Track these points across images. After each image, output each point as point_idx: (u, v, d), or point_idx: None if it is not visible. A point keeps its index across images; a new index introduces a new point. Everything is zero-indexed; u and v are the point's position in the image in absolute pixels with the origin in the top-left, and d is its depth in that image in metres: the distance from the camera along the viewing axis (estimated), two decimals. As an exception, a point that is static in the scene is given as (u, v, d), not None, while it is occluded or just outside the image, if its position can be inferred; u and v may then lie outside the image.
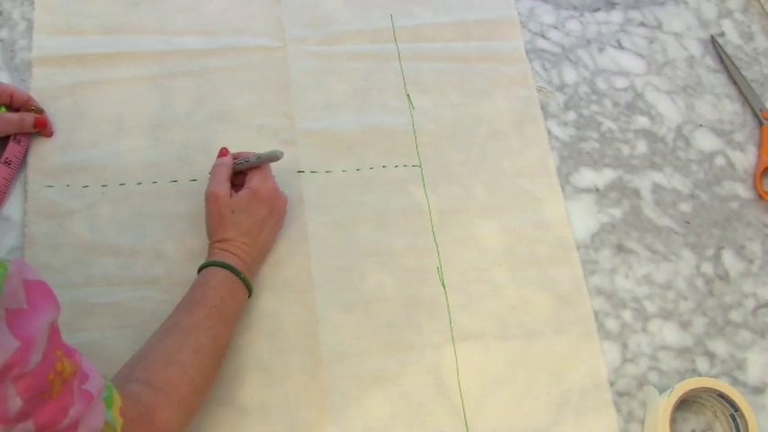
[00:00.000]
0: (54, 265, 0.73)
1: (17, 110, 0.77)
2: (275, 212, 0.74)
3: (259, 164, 0.74)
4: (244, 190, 0.72)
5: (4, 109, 0.76)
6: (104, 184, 0.78)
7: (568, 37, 0.95)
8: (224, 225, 0.70)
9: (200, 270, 0.69)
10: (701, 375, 0.78)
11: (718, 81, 0.95)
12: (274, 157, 0.74)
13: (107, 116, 0.81)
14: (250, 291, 0.70)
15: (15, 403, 0.42)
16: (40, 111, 0.78)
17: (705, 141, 0.91)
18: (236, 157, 0.76)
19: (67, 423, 0.46)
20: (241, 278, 0.68)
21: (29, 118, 0.76)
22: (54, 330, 0.46)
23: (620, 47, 0.96)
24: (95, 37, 0.85)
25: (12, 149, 0.76)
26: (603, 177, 0.87)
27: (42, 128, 0.77)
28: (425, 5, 0.94)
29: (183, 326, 0.63)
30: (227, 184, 0.72)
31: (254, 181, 0.73)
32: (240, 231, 0.70)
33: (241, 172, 0.75)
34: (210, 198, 0.71)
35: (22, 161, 0.77)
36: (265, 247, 0.74)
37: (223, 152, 0.76)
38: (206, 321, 0.64)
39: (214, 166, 0.75)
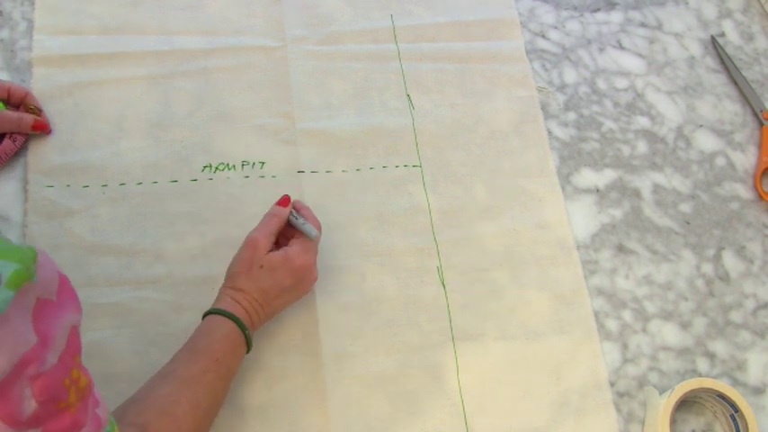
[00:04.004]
0: (54, 264, 0.73)
1: (15, 105, 0.77)
2: (300, 287, 0.70)
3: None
4: (280, 251, 0.68)
5: (2, 105, 0.76)
6: (104, 184, 0.78)
7: (569, 37, 0.95)
8: (247, 275, 0.67)
9: (205, 315, 0.67)
10: (701, 376, 0.78)
11: (719, 81, 0.95)
12: (314, 234, 0.70)
13: (107, 116, 0.81)
14: (249, 348, 0.67)
15: (30, 405, 0.40)
16: (38, 111, 0.78)
17: (705, 142, 0.91)
18: (295, 207, 0.73)
19: None
20: (245, 335, 0.66)
21: (28, 119, 0.76)
22: (75, 335, 0.44)
23: (621, 47, 0.96)
24: (95, 37, 0.85)
25: (4, 146, 0.76)
26: (604, 178, 0.87)
27: (41, 130, 0.77)
28: (426, 5, 0.94)
29: (183, 375, 0.61)
30: (272, 238, 0.69)
31: (294, 248, 0.69)
32: (258, 288, 0.67)
33: (291, 226, 0.72)
34: (250, 243, 0.68)
35: (19, 160, 0.77)
36: (274, 312, 0.70)
37: (285, 200, 0.72)
38: (206, 375, 0.62)
39: (269, 214, 0.71)
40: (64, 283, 0.43)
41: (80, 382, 0.44)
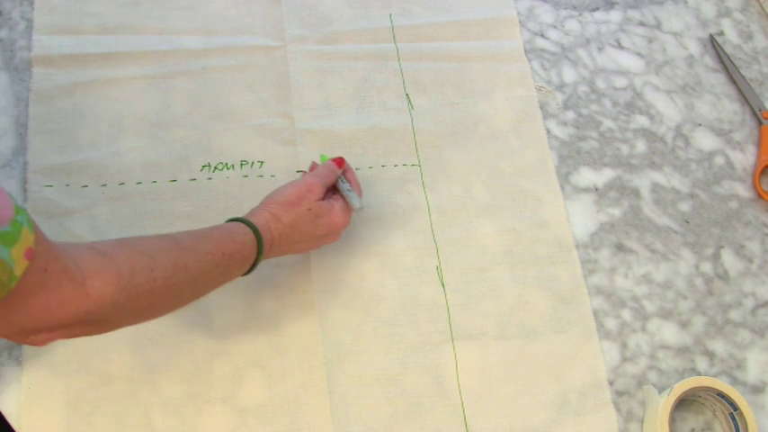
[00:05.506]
0: (54, 264, 0.73)
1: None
2: (323, 240, 0.72)
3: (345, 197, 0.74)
4: (328, 202, 0.71)
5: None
6: (104, 183, 0.78)
7: (567, 36, 0.95)
8: (292, 211, 0.68)
9: (237, 219, 0.66)
10: (700, 375, 0.78)
11: (718, 80, 0.95)
12: (358, 206, 0.74)
13: (107, 116, 0.81)
14: (251, 270, 0.66)
15: None
16: None
17: (704, 141, 0.91)
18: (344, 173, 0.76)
19: None
20: (257, 259, 0.65)
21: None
22: None
23: (620, 46, 0.96)
24: (95, 37, 0.85)
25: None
26: (603, 177, 0.87)
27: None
28: (425, 5, 0.94)
29: (181, 243, 0.58)
30: (324, 190, 0.72)
31: (339, 205, 0.72)
32: (295, 226, 0.68)
33: (332, 189, 0.75)
34: (307, 187, 0.70)
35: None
36: (289, 252, 0.71)
37: (340, 161, 0.75)
38: (206, 255, 0.59)
39: (326, 167, 0.74)
40: None
41: None
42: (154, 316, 0.58)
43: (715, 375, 0.78)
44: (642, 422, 0.75)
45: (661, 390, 0.75)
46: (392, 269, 0.78)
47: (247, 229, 0.64)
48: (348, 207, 0.73)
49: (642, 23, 0.98)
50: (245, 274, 0.66)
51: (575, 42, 0.95)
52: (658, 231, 0.85)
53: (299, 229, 0.69)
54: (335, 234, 0.73)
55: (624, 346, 0.78)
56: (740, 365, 0.79)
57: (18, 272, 0.44)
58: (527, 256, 0.81)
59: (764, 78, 0.96)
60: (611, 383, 0.76)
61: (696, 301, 0.81)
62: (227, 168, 0.80)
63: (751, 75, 0.96)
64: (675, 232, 0.85)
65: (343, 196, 0.74)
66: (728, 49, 0.97)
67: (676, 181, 0.88)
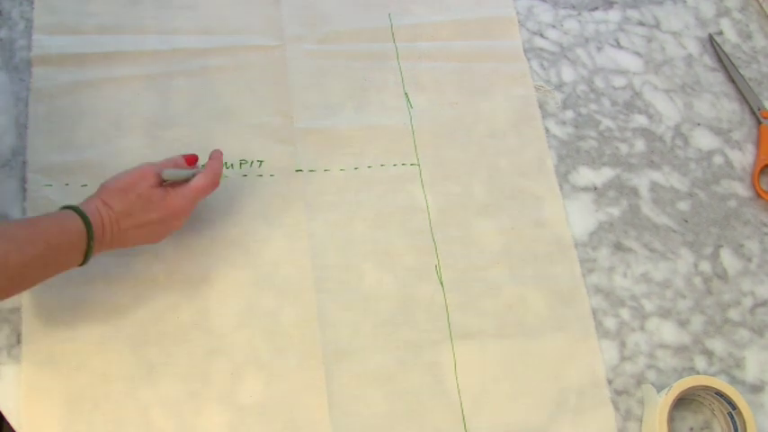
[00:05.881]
0: (53, 263, 0.73)
1: None
2: (161, 229, 0.70)
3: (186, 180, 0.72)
4: (164, 189, 0.69)
5: None
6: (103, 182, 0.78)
7: (566, 36, 0.95)
8: (123, 197, 0.67)
9: (69, 207, 0.64)
10: (699, 373, 0.78)
11: (717, 80, 0.95)
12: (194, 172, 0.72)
13: (106, 115, 0.81)
14: (84, 262, 0.65)
15: None
16: None
17: (703, 140, 0.91)
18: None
19: None
20: (89, 248, 0.64)
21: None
22: None
23: (619, 46, 0.96)
24: (94, 36, 0.85)
25: None
26: (602, 176, 0.87)
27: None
28: (424, 4, 0.94)
29: (5, 232, 0.59)
30: (160, 178, 0.69)
31: (175, 191, 0.70)
32: (126, 213, 0.67)
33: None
34: (141, 173, 0.68)
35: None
36: (123, 243, 0.69)
37: (190, 159, 0.74)
38: (28, 245, 0.59)
39: (169, 159, 0.72)
40: None
41: None
42: None
43: (714, 374, 0.78)
44: (641, 421, 0.75)
45: (660, 389, 0.75)
46: (391, 268, 0.78)
47: (76, 216, 0.63)
48: (189, 193, 0.70)
49: (641, 23, 0.98)
50: (81, 264, 0.65)
51: (574, 42, 0.95)
52: (657, 230, 0.85)
53: (131, 215, 0.67)
54: (175, 220, 0.70)
55: (623, 345, 0.78)
56: (739, 364, 0.79)
57: None
58: (526, 255, 0.81)
59: (763, 78, 0.96)
60: (609, 382, 0.76)
61: (695, 300, 0.82)
62: (227, 167, 0.80)
63: (750, 74, 0.96)
64: (674, 231, 0.85)
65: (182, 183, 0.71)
66: (727, 48, 0.97)
67: (675, 180, 0.88)
